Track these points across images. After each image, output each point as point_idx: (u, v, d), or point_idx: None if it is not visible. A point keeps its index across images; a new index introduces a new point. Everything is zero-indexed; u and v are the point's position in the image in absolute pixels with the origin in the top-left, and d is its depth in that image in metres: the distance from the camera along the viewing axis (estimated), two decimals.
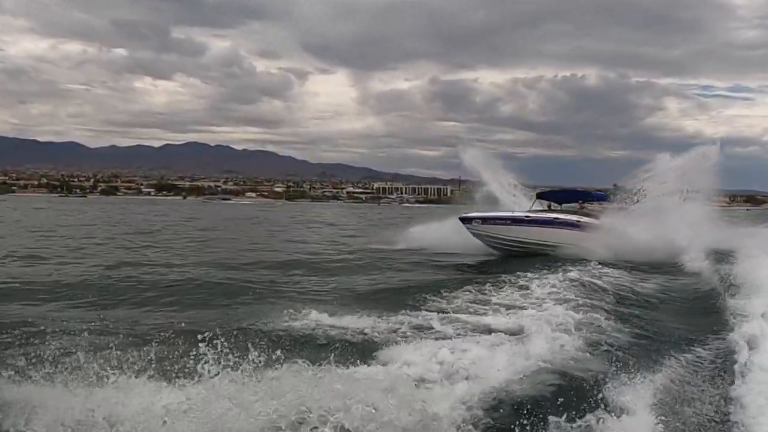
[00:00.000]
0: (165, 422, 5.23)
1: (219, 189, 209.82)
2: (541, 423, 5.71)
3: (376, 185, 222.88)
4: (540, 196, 25.04)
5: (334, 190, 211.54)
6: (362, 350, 7.66)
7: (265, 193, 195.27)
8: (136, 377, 6.04)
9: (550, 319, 9.59)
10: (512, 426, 5.58)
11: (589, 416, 5.82)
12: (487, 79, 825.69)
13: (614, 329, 9.58)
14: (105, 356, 6.31)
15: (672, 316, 11.59)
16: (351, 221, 53.34)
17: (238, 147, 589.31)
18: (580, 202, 24.63)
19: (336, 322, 9.06)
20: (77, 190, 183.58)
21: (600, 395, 6.30)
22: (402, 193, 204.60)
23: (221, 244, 25.86)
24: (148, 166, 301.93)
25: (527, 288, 12.79)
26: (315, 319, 9.18)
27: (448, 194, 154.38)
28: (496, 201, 25.35)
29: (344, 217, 63.55)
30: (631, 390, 6.53)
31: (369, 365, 7.00)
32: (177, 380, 6.04)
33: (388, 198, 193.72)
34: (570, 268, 15.76)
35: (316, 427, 5.19)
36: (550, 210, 23.80)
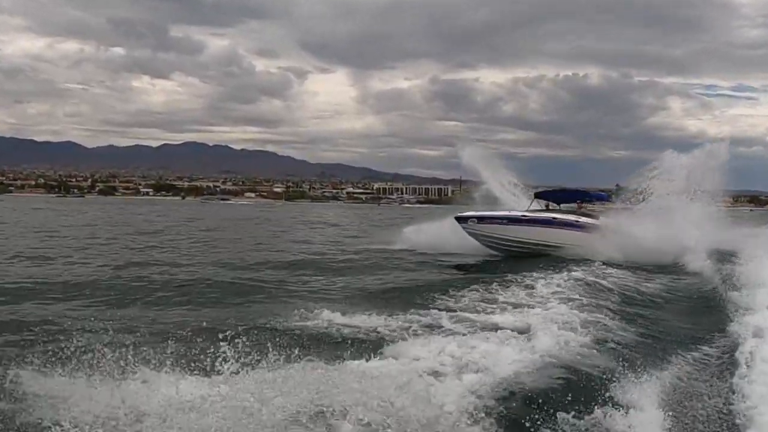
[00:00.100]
0: (188, 416, 5.41)
1: (218, 189, 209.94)
2: (550, 416, 5.91)
3: (376, 185, 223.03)
4: (538, 195, 24.82)
5: (334, 191, 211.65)
6: (375, 347, 7.90)
7: (265, 194, 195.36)
8: (158, 372, 6.30)
9: (557, 318, 9.82)
10: (521, 416, 5.82)
11: (597, 411, 5.97)
12: (488, 78, 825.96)
13: (620, 328, 9.84)
14: (127, 352, 6.51)
15: (677, 315, 11.87)
16: (352, 222, 53.63)
17: (237, 147, 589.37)
18: (578, 201, 24.56)
19: (348, 321, 9.34)
20: (75, 191, 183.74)
21: (607, 390, 6.50)
22: (402, 194, 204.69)
23: (226, 244, 26.16)
24: (146, 166, 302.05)
25: (533, 287, 13.03)
26: (327, 317, 9.47)
27: (449, 194, 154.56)
28: (496, 201, 25.26)
29: (345, 217, 63.84)
30: (638, 386, 6.68)
31: (383, 361, 7.25)
32: (198, 376, 6.31)
33: (388, 198, 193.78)
34: (574, 268, 16.06)
35: (336, 420, 5.42)
36: (548, 210, 23.71)
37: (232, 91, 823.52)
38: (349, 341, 8.29)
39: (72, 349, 6.59)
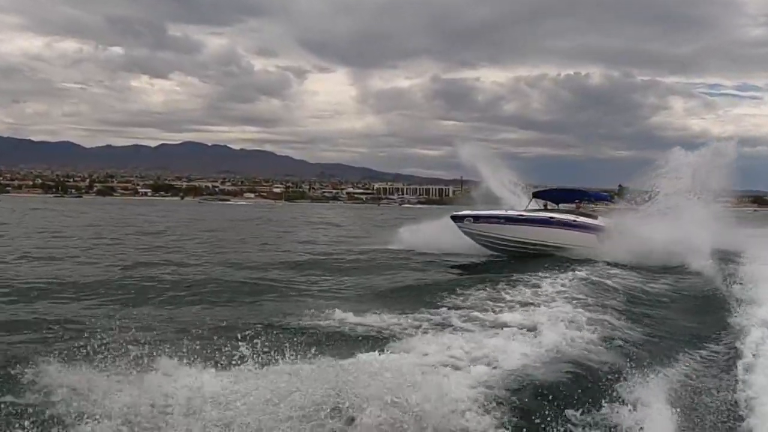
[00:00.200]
0: (211, 409, 5.68)
1: (217, 189, 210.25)
2: (558, 408, 6.13)
3: (376, 186, 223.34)
4: (536, 195, 24.56)
5: (334, 191, 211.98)
6: (388, 343, 8.16)
7: (264, 194, 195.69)
8: (180, 367, 6.55)
9: (563, 316, 10.07)
10: (531, 408, 6.03)
11: (604, 406, 6.17)
12: (489, 77, 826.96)
13: (626, 326, 10.10)
14: (148, 348, 6.83)
15: (682, 314, 12.14)
16: (354, 222, 53.88)
17: (236, 147, 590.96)
18: (576, 201, 24.45)
19: (360, 320, 9.59)
20: (73, 191, 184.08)
21: (615, 386, 6.71)
22: (403, 194, 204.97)
23: (231, 245, 26.42)
24: (145, 166, 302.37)
25: (539, 287, 13.28)
26: (340, 316, 9.72)
27: (450, 195, 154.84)
28: (498, 201, 25.15)
29: (347, 218, 64.07)
30: (646, 383, 6.84)
31: (396, 355, 7.54)
32: (218, 370, 6.56)
33: (388, 199, 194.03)
34: (579, 268, 16.39)
35: (352, 414, 5.68)
36: (546, 209, 23.54)
37: (231, 91, 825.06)
38: (362, 339, 8.55)
39: (95, 345, 6.86)
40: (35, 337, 8.73)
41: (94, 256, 19.91)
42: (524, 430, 5.68)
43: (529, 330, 9.08)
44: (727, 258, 20.14)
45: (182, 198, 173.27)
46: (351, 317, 9.73)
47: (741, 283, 13.66)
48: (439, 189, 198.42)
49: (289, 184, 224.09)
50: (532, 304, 11.38)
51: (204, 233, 34.29)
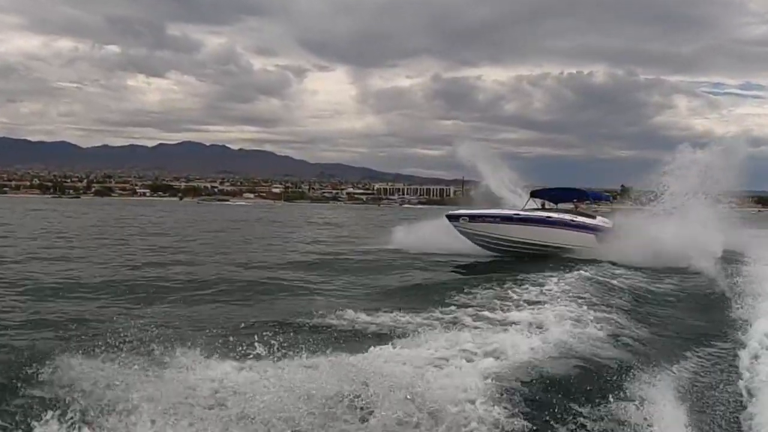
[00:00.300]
0: (233, 402, 5.90)
1: (215, 190, 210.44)
2: (566, 403, 6.33)
3: (377, 186, 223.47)
4: (534, 194, 24.35)
5: (334, 191, 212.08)
6: (401, 341, 8.45)
7: (263, 194, 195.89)
8: (199, 362, 6.80)
9: (569, 314, 10.34)
10: (539, 399, 6.30)
11: (612, 402, 6.34)
12: (491, 76, 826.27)
13: (632, 324, 10.39)
14: (166, 344, 7.10)
15: (688, 313, 12.45)
16: (356, 222, 54.21)
17: (235, 147, 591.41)
18: (575, 200, 24.33)
19: (372, 319, 9.89)
20: (70, 191, 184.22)
21: (622, 383, 6.92)
22: (404, 194, 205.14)
23: (237, 245, 26.76)
24: (142, 166, 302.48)
25: (545, 286, 13.53)
26: (352, 315, 10.02)
27: (451, 195, 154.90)
28: (498, 200, 25.02)
29: (348, 218, 64.41)
30: (653, 380, 7.10)
31: (408, 350, 7.81)
32: (239, 366, 6.82)
33: (389, 199, 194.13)
34: (585, 267, 16.71)
35: (369, 405, 5.97)
36: (544, 209, 23.37)
37: (230, 90, 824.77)
38: (375, 336, 8.86)
39: (115, 341, 7.14)
40: (56, 335, 8.98)
41: (102, 256, 20.21)
42: (533, 421, 5.87)
43: (537, 327, 9.36)
44: (731, 258, 20.39)
45: (181, 198, 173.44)
46: (363, 316, 10.03)
47: (746, 283, 13.94)
48: (440, 189, 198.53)
49: (289, 185, 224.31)
50: (538, 302, 11.65)
51: (207, 234, 34.67)
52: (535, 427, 5.76)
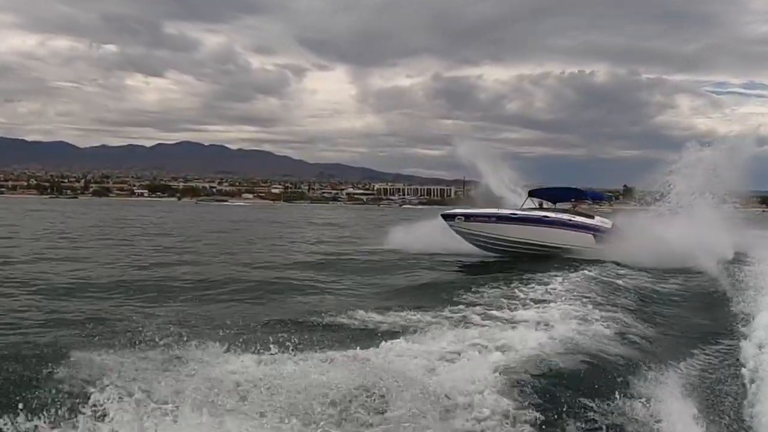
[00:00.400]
0: (256, 394, 6.13)
1: (214, 190, 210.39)
2: (574, 397, 6.52)
3: (377, 186, 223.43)
4: (532, 193, 24.08)
5: (333, 191, 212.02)
6: (411, 338, 8.71)
7: (262, 195, 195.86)
8: (220, 356, 7.15)
9: (576, 313, 10.64)
10: (547, 392, 6.52)
11: (618, 399, 6.50)
12: (492, 75, 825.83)
13: (638, 323, 10.64)
14: (186, 339, 7.38)
15: (694, 312, 12.69)
16: (358, 223, 54.44)
17: (233, 146, 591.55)
18: (573, 200, 24.15)
19: (383, 318, 10.19)
20: (68, 192, 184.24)
21: (629, 380, 7.08)
22: (404, 195, 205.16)
23: (241, 245, 27.05)
24: (140, 166, 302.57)
25: (551, 285, 13.85)
26: (362, 313, 10.32)
27: (452, 195, 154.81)
28: (499, 200, 24.91)
29: (349, 219, 64.61)
30: (660, 378, 7.23)
31: (419, 345, 8.15)
32: (258, 360, 7.14)
33: (389, 199, 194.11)
34: (590, 267, 17.05)
35: (384, 404, 6.17)
36: (542, 208, 23.23)
37: (228, 90, 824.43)
38: (387, 333, 9.09)
39: (134, 336, 7.49)
40: (75, 332, 9.23)
41: (108, 256, 20.51)
42: (545, 413, 6.08)
43: (544, 325, 9.63)
44: (735, 258, 20.58)
45: (179, 199, 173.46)
46: (373, 314, 10.34)
47: (750, 281, 14.20)
48: (440, 189, 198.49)
49: (288, 185, 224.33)
50: (544, 301, 11.95)
51: (210, 234, 34.98)
52: (545, 419, 5.97)
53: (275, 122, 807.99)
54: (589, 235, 21.53)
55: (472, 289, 12.97)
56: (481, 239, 21.59)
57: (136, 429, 5.36)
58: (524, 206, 23.38)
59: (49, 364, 6.66)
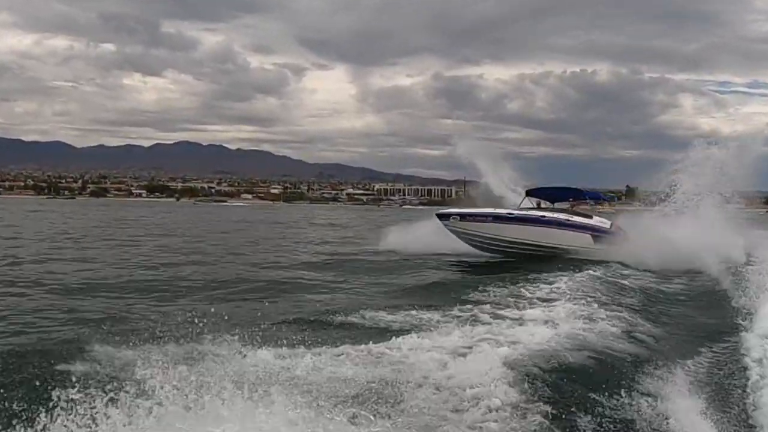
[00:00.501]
0: (279, 386, 6.27)
1: (213, 191, 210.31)
2: (584, 393, 6.74)
3: (377, 186, 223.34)
4: (530, 193, 23.93)
5: (333, 192, 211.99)
6: (423, 334, 9.04)
7: (261, 195, 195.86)
8: (242, 349, 7.43)
9: (583, 312, 10.92)
10: (556, 386, 6.77)
11: (627, 395, 6.70)
12: (493, 74, 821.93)
13: (644, 322, 10.93)
14: (199, 337, 7.61)
15: (699, 311, 12.98)
16: (360, 223, 54.71)
17: (232, 146, 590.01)
18: (570, 200, 24.00)
19: (395, 316, 10.46)
20: (65, 192, 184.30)
21: (637, 377, 7.33)
22: (404, 195, 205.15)
23: (246, 246, 27.36)
24: (138, 166, 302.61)
25: (557, 285, 14.16)
26: (374, 312, 10.61)
27: (453, 195, 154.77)
28: (499, 200, 24.88)
29: (351, 219, 64.85)
30: (667, 374, 7.44)
31: (429, 342, 8.47)
32: (277, 354, 7.47)
33: (389, 200, 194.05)
34: (595, 268, 17.38)
35: (400, 395, 6.52)
36: (539, 208, 23.04)
37: (227, 89, 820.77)
38: (399, 330, 9.39)
39: (155, 331, 7.78)
40: (95, 328, 9.40)
41: (116, 257, 20.88)
42: (551, 405, 6.30)
43: (552, 322, 9.94)
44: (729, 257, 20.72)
45: (177, 199, 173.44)
46: (383, 313, 10.64)
47: (753, 279, 14.47)
48: (441, 190, 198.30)
49: (287, 185, 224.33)
50: (551, 300, 12.26)
51: (212, 235, 35.34)
52: (555, 411, 6.20)
53: (274, 122, 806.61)
54: (587, 235, 21.49)
55: (479, 288, 13.28)
56: (476, 239, 21.48)
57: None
58: (522, 206, 23.21)
59: (74, 358, 7.05)
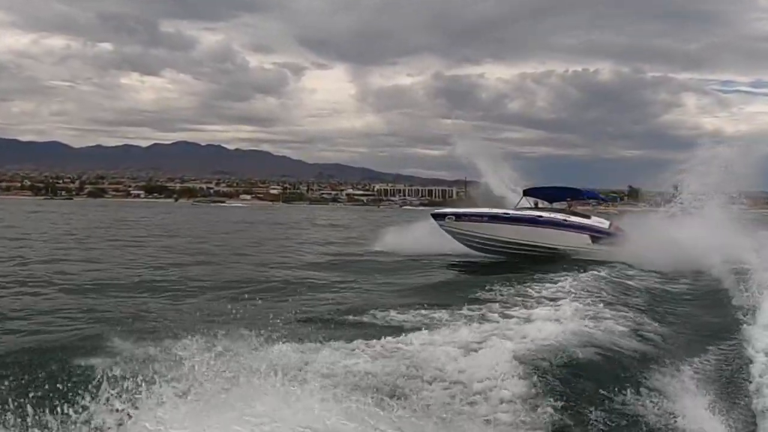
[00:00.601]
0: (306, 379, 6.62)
1: (211, 191, 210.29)
2: (593, 388, 6.97)
3: (377, 186, 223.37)
4: (527, 192, 23.78)
5: (333, 192, 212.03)
6: (434, 331, 9.33)
7: (261, 195, 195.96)
8: (264, 344, 7.70)
9: (589, 312, 11.14)
10: (566, 382, 6.99)
11: (634, 392, 6.86)
12: (493, 74, 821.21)
13: (651, 321, 11.17)
14: (215, 334, 7.76)
15: (705, 311, 13.22)
16: (361, 224, 54.91)
17: (231, 146, 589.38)
18: (568, 199, 23.81)
19: (405, 316, 10.71)
20: (62, 192, 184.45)
21: (644, 374, 7.52)
22: (405, 195, 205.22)
23: (251, 246, 27.70)
24: (136, 166, 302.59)
25: (562, 284, 14.41)
26: (384, 311, 10.87)
27: (453, 196, 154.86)
28: (499, 200, 24.87)
29: (352, 220, 65.07)
30: (674, 372, 7.63)
31: (440, 338, 8.74)
32: (293, 351, 7.73)
33: (389, 200, 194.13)
34: (599, 268, 17.67)
35: (415, 389, 6.83)
36: (537, 208, 22.98)
37: (226, 89, 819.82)
38: (410, 328, 9.65)
39: (172, 328, 8.14)
40: (115, 326, 9.51)
41: (122, 257, 21.17)
42: (561, 399, 6.53)
43: (559, 321, 10.17)
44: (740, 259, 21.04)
45: (176, 200, 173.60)
46: (394, 312, 10.88)
47: (756, 278, 14.73)
48: (441, 190, 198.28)
49: (287, 186, 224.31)
50: (557, 299, 12.49)
51: (215, 236, 35.59)
52: (564, 405, 6.44)
53: (274, 122, 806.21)
54: (585, 236, 21.46)
55: (486, 288, 13.53)
56: (472, 240, 21.39)
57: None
58: (519, 205, 23.17)
59: (97, 354, 7.36)
